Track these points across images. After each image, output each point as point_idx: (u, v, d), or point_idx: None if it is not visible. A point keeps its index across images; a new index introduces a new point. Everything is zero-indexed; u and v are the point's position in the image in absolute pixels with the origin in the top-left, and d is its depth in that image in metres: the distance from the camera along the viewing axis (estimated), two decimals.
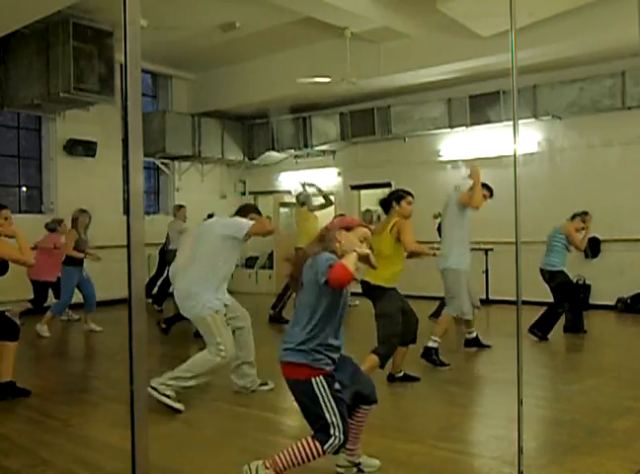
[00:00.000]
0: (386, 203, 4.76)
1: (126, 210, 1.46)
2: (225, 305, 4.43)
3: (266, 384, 4.64)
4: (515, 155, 2.75)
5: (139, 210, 1.46)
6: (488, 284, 9.51)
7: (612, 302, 8.63)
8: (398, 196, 4.74)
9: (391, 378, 4.79)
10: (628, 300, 8.50)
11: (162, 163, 11.54)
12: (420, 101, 10.20)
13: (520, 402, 2.56)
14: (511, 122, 2.82)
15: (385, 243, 4.51)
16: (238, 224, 4.36)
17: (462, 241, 5.67)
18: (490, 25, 7.23)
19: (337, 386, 2.66)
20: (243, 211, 4.67)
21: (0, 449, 3.44)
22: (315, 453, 2.61)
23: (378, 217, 11.23)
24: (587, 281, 8.91)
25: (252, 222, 4.34)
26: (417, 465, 3.15)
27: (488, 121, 9.46)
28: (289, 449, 2.62)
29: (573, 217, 6.85)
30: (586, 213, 6.92)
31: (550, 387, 4.78)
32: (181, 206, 9.22)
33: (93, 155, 10.03)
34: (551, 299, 6.70)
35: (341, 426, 2.60)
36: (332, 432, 2.59)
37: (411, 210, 4.70)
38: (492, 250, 9.29)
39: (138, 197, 1.45)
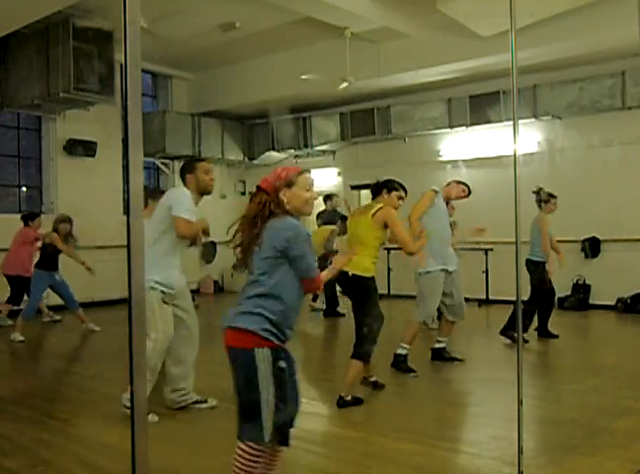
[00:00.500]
0: (377, 189, 4.49)
1: (126, 210, 1.46)
2: (163, 292, 3.89)
3: (204, 402, 4.14)
4: (515, 155, 2.74)
5: (139, 210, 1.46)
6: (488, 284, 9.51)
7: (612, 302, 8.62)
8: (392, 187, 4.48)
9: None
10: (628, 300, 8.49)
11: (162, 163, 11.54)
12: (420, 101, 10.20)
13: (519, 402, 2.55)
14: (511, 122, 2.82)
15: (364, 227, 4.26)
16: (177, 199, 3.95)
17: (438, 242, 5.14)
18: (490, 25, 7.23)
19: (282, 364, 2.27)
20: (188, 169, 4.09)
21: (0, 449, 3.44)
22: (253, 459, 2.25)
23: None
24: (587, 281, 8.91)
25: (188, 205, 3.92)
26: (417, 465, 3.15)
27: (488, 121, 9.46)
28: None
29: (542, 203, 6.44)
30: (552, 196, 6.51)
31: (550, 387, 4.77)
32: None
33: (93, 155, 10.03)
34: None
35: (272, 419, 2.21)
36: (263, 423, 2.21)
37: (399, 205, 4.46)
38: (492, 250, 9.29)
39: (138, 197, 1.45)
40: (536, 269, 6.31)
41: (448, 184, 5.46)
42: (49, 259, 7.20)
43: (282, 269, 2.32)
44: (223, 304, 10.84)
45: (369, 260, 4.23)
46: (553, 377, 5.23)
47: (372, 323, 4.16)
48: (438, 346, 5.49)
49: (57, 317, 8.28)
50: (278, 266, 2.32)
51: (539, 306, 6.43)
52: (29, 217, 7.67)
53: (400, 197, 4.46)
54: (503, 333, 6.21)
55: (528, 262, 6.34)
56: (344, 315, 8.21)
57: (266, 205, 2.36)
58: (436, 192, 5.28)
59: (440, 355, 5.46)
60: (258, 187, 2.42)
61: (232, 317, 2.32)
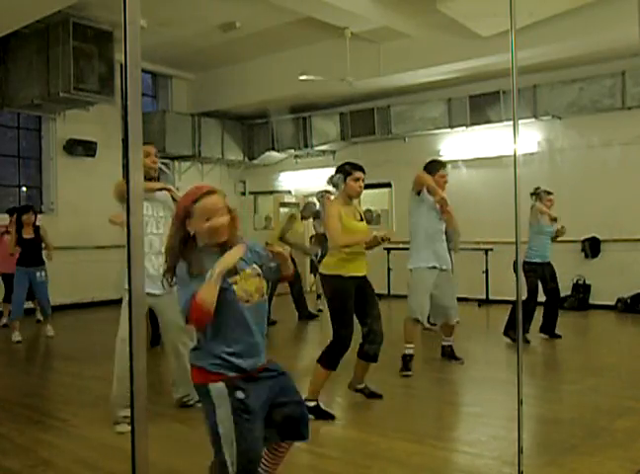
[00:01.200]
0: (334, 181, 4.14)
1: (126, 210, 1.46)
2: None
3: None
4: (515, 155, 2.74)
5: (139, 210, 1.46)
6: (488, 284, 9.51)
7: (612, 302, 8.62)
8: (344, 171, 4.07)
9: (351, 388, 4.33)
10: (628, 300, 8.50)
11: (162, 163, 11.52)
12: (420, 101, 10.20)
13: (519, 402, 2.55)
14: (511, 122, 2.82)
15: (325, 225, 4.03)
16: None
17: (425, 238, 5.04)
18: (490, 25, 7.23)
19: (240, 395, 2.12)
20: None
21: (0, 449, 3.44)
22: None
23: (378, 217, 11.24)
24: (587, 281, 8.91)
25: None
26: (417, 465, 3.15)
27: (488, 121, 9.46)
28: None
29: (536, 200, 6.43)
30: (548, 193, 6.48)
31: (550, 387, 4.77)
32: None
33: (93, 155, 10.04)
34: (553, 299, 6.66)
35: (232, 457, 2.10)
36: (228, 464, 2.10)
37: (360, 189, 4.05)
38: (492, 250, 9.29)
39: (138, 196, 1.45)
40: (530, 270, 6.29)
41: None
42: (25, 255, 7.02)
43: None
44: None
45: (332, 258, 3.95)
46: (553, 377, 5.23)
47: (337, 329, 3.83)
48: (445, 343, 5.54)
49: (40, 317, 8.19)
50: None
51: (547, 305, 6.48)
52: (10, 212, 7.64)
53: (357, 179, 4.03)
54: (505, 333, 6.22)
55: (524, 264, 6.28)
56: (317, 316, 8.14)
57: (178, 240, 2.13)
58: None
59: (446, 353, 5.53)
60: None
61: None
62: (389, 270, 10.27)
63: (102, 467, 3.20)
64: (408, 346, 5.02)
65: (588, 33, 7.52)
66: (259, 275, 2.23)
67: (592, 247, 8.87)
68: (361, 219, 4.14)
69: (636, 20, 2.90)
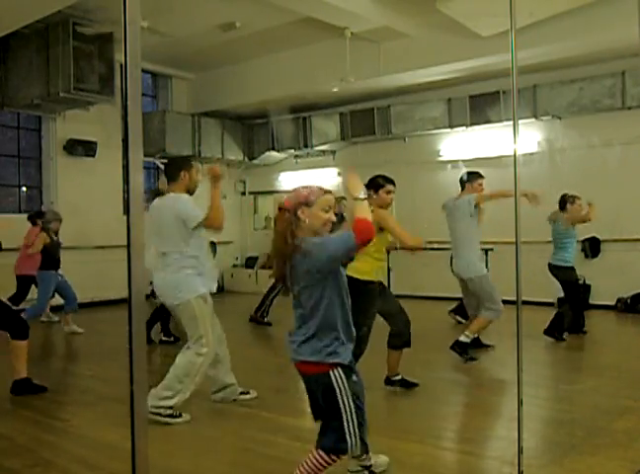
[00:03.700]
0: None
1: (126, 210, 1.46)
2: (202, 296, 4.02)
3: (247, 393, 4.39)
4: (515, 155, 2.74)
5: (139, 210, 1.46)
6: None
7: (612, 302, 8.62)
8: (377, 184, 4.29)
9: (388, 382, 4.61)
10: (628, 300, 8.49)
11: (162, 163, 11.53)
12: (420, 101, 10.20)
13: (519, 402, 2.55)
14: (511, 122, 2.82)
15: None
16: (187, 208, 4.13)
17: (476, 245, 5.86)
18: (490, 25, 7.23)
19: (355, 378, 2.47)
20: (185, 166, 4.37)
21: (0, 449, 3.44)
22: (330, 462, 2.50)
23: None
24: (587, 281, 8.90)
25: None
26: (417, 465, 3.15)
27: (488, 121, 9.46)
28: (304, 466, 2.53)
29: (564, 205, 6.62)
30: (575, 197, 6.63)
31: (550, 387, 4.78)
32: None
33: (93, 155, 10.03)
34: (552, 299, 6.69)
35: (357, 429, 2.45)
36: (348, 437, 2.43)
37: (391, 200, 4.32)
38: (492, 250, 9.28)
39: (138, 197, 1.45)
40: (560, 272, 6.49)
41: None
42: (52, 259, 7.20)
43: (322, 287, 2.39)
44: (223, 304, 10.84)
45: (367, 264, 4.11)
46: (553, 377, 5.23)
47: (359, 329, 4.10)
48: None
49: (56, 318, 8.28)
50: (318, 287, 2.39)
51: (571, 303, 6.62)
52: (35, 216, 7.67)
53: (389, 192, 4.28)
54: (547, 333, 6.41)
55: (553, 267, 6.51)
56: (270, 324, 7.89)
57: (288, 224, 2.42)
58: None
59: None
60: (280, 207, 2.50)
61: (297, 349, 2.45)
62: (389, 270, 10.26)
63: (102, 467, 3.20)
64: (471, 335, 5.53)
65: (588, 33, 7.52)
66: None
67: (592, 247, 8.87)
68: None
69: (636, 20, 2.90)
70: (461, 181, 5.76)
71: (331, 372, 2.39)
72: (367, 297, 4.15)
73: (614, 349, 6.36)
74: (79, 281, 7.85)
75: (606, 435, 3.52)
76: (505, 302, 8.33)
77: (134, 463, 1.41)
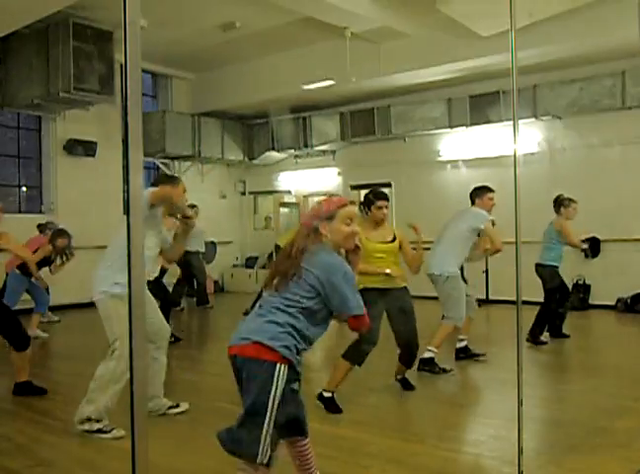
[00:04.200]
0: (362, 208, 4.44)
1: (126, 210, 1.46)
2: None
3: (177, 406, 4.04)
4: (515, 155, 2.74)
5: (139, 210, 1.46)
6: (488, 284, 9.51)
7: (612, 302, 8.63)
8: (368, 201, 4.36)
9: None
10: (628, 300, 8.50)
11: (162, 163, 11.54)
12: (420, 101, 10.20)
13: (519, 402, 2.55)
14: (511, 122, 2.82)
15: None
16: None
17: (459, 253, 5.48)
18: (490, 25, 7.23)
19: (295, 386, 2.30)
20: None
21: (0, 449, 3.44)
22: None
23: None
24: (587, 281, 8.91)
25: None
26: (417, 465, 3.15)
27: (488, 121, 9.46)
28: None
29: (558, 208, 6.50)
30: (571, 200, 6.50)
31: (550, 387, 4.78)
32: (193, 206, 8.42)
33: (93, 155, 10.04)
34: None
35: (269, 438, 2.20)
36: (261, 443, 2.20)
37: (383, 215, 4.34)
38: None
39: (138, 196, 1.45)
40: (545, 271, 6.37)
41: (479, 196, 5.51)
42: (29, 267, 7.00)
43: (319, 298, 2.30)
44: (223, 304, 10.84)
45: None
46: (553, 377, 5.23)
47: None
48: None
49: (56, 318, 8.27)
50: (316, 294, 2.29)
51: (555, 307, 6.46)
52: (45, 227, 7.70)
53: (379, 208, 4.31)
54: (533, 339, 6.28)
55: (538, 266, 6.38)
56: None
57: (306, 238, 2.35)
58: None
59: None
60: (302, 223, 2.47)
61: (255, 330, 2.26)
62: None
63: (102, 467, 3.20)
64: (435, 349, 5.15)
65: (588, 33, 7.52)
66: None
67: (592, 247, 8.86)
68: (393, 239, 4.43)
69: (636, 20, 2.90)
70: (471, 196, 5.57)
71: (278, 365, 2.22)
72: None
73: (614, 349, 6.36)
74: (79, 281, 7.84)
75: (606, 435, 3.52)
76: (505, 302, 8.38)
77: (134, 463, 1.41)
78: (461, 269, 5.55)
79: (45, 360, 6.45)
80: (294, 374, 2.27)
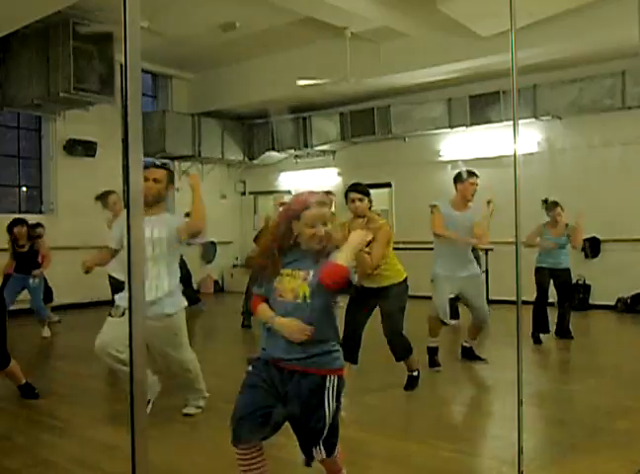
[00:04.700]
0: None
1: (126, 210, 1.46)
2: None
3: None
4: (515, 155, 2.74)
5: (139, 210, 1.45)
6: (488, 284, 9.50)
7: (612, 302, 8.63)
8: (345, 192, 4.30)
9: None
10: (628, 300, 8.49)
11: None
12: (420, 101, 10.20)
13: (519, 402, 2.55)
14: (511, 122, 2.82)
15: None
16: None
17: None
18: (490, 25, 7.23)
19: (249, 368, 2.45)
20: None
21: (0, 449, 3.44)
22: None
23: (378, 217, 11.24)
24: (587, 281, 8.91)
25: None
26: (417, 465, 3.15)
27: (488, 121, 9.46)
28: None
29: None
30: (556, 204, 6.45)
31: (550, 387, 4.78)
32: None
33: (93, 155, 10.03)
34: (552, 299, 6.65)
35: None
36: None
37: (355, 208, 4.22)
38: (492, 250, 9.28)
39: (138, 196, 1.44)
40: (566, 276, 6.51)
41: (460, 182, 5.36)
42: (23, 265, 7.16)
43: None
44: (223, 304, 10.84)
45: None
46: (553, 377, 5.23)
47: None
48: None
49: (56, 318, 8.27)
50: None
51: (559, 307, 6.56)
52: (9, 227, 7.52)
53: (352, 201, 4.23)
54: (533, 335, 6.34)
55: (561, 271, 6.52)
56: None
57: (282, 237, 2.37)
58: (434, 205, 5.22)
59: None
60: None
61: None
62: None
63: (102, 467, 3.20)
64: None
65: (588, 33, 7.52)
66: (305, 279, 2.34)
67: (592, 247, 8.87)
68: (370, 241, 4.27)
69: (636, 20, 2.90)
70: (454, 181, 5.45)
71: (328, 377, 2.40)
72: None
73: (614, 349, 6.36)
74: (79, 281, 7.84)
75: (607, 435, 3.52)
76: (505, 302, 8.37)
77: (134, 463, 1.41)
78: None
79: (46, 360, 6.45)
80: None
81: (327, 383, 2.32)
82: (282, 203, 2.40)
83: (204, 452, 3.36)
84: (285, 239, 2.36)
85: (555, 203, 6.49)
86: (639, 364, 5.43)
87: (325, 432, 2.32)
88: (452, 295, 5.53)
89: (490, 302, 9.17)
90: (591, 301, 8.84)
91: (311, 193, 2.41)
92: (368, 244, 4.05)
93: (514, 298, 2.64)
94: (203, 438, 3.62)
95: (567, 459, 3.17)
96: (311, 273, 2.33)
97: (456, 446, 3.46)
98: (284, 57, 10.04)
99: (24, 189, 10.16)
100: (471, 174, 5.32)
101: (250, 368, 2.41)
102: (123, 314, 3.68)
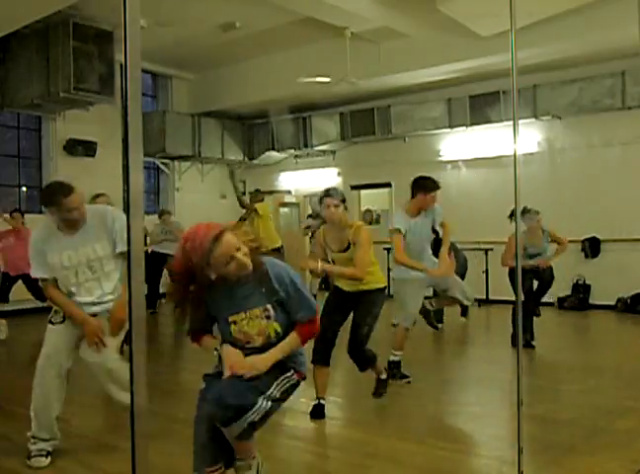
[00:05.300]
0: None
1: (126, 210, 1.46)
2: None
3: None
4: (515, 155, 2.74)
5: (139, 210, 1.45)
6: (488, 284, 9.51)
7: (612, 302, 8.63)
8: (319, 197, 4.08)
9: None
10: (628, 300, 8.50)
11: (162, 163, 11.54)
12: (420, 101, 10.20)
13: (519, 402, 2.55)
14: (511, 122, 2.82)
15: None
16: None
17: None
18: (490, 25, 7.23)
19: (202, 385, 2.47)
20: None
21: (0, 449, 3.44)
22: None
23: (378, 217, 11.25)
24: (587, 281, 8.91)
25: None
26: (417, 465, 3.15)
27: (488, 121, 9.46)
28: None
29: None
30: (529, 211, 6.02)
31: (550, 387, 4.77)
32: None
33: (93, 155, 10.03)
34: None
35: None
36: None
37: (331, 214, 4.00)
38: (492, 250, 9.29)
39: (138, 196, 1.44)
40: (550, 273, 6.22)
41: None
42: None
43: None
44: None
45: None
46: (553, 377, 5.23)
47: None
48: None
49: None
50: None
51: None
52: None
53: (327, 206, 4.01)
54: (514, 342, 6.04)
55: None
56: None
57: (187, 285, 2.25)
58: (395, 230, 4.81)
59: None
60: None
61: None
62: (389, 269, 10.26)
63: (102, 467, 3.20)
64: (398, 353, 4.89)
65: (588, 33, 7.52)
66: (268, 317, 2.26)
67: (592, 247, 8.87)
68: (347, 247, 4.07)
69: (636, 20, 2.89)
70: (417, 186, 5.10)
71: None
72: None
73: (614, 349, 6.36)
74: None
75: (607, 435, 3.52)
76: (504, 302, 8.38)
77: (134, 463, 1.41)
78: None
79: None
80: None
81: (287, 374, 2.35)
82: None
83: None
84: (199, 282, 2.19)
85: (537, 212, 6.06)
86: (639, 364, 5.43)
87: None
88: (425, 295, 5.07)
89: (490, 302, 9.24)
90: (591, 301, 8.84)
91: (201, 233, 2.16)
92: (346, 249, 4.10)
93: (513, 298, 2.64)
94: None
95: (567, 459, 3.17)
96: (268, 306, 2.25)
97: (456, 446, 3.46)
98: (284, 57, 10.04)
99: (24, 189, 10.16)
100: (435, 186, 5.00)
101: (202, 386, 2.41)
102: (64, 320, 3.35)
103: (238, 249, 2.18)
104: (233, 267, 2.18)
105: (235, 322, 2.25)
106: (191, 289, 2.21)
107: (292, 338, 2.33)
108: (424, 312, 5.07)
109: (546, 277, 6.21)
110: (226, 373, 2.24)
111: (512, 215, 5.74)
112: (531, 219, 6.01)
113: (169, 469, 3.08)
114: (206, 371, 2.50)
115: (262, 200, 9.23)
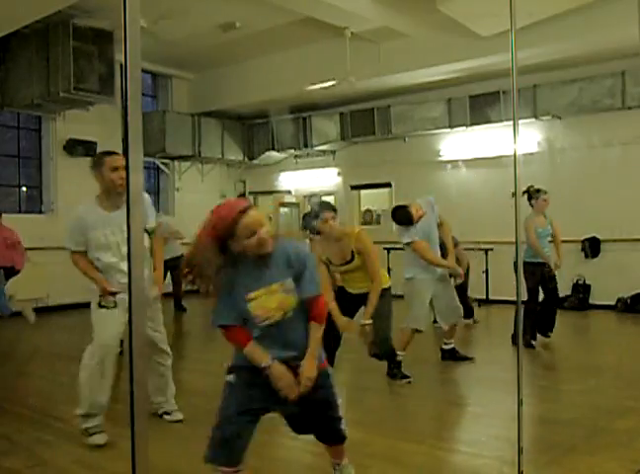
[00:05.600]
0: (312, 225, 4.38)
1: (126, 210, 1.46)
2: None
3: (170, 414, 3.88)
4: (515, 155, 2.74)
5: (139, 211, 1.46)
6: (488, 284, 9.51)
7: (612, 302, 8.62)
8: (316, 214, 4.20)
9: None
10: (628, 300, 8.49)
11: (162, 163, 11.54)
12: (420, 101, 10.20)
13: (519, 402, 2.55)
14: (511, 122, 2.82)
15: None
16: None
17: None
18: (490, 25, 7.23)
19: (229, 378, 2.51)
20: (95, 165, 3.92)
21: (0, 449, 3.44)
22: None
23: (378, 217, 11.25)
24: (587, 281, 8.91)
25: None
26: (417, 465, 3.15)
27: (488, 121, 9.46)
28: None
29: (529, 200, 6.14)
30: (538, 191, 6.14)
31: (550, 387, 4.77)
32: None
33: (93, 155, 10.00)
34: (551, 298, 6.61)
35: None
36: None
37: (329, 229, 4.17)
38: (492, 250, 9.30)
39: (138, 196, 1.44)
40: (528, 271, 5.96)
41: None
42: None
43: None
44: None
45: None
46: (553, 377, 5.23)
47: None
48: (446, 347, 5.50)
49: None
50: None
51: (542, 306, 6.24)
52: None
53: (325, 221, 4.17)
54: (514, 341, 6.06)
55: (523, 264, 6.18)
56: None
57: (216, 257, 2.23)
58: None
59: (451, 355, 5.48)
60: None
61: None
62: (389, 270, 10.27)
63: (102, 467, 3.20)
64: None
65: (588, 33, 7.52)
66: (287, 291, 2.28)
67: (592, 247, 8.87)
68: (352, 258, 4.25)
69: (636, 20, 2.90)
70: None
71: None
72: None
73: (614, 349, 6.36)
74: (79, 281, 7.83)
75: (607, 435, 3.52)
76: (504, 302, 8.38)
77: (134, 463, 1.41)
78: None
79: (45, 360, 6.45)
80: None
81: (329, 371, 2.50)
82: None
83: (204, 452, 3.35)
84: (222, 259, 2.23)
85: (545, 191, 6.18)
86: (639, 364, 5.43)
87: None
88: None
89: (490, 302, 9.24)
90: (591, 301, 8.84)
91: (231, 205, 2.27)
92: (351, 260, 4.21)
93: (513, 298, 2.64)
94: (204, 439, 3.61)
95: (567, 459, 3.17)
96: (287, 281, 2.28)
97: (456, 446, 3.46)
98: (284, 57, 10.05)
99: (24, 189, 10.16)
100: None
101: (230, 378, 2.42)
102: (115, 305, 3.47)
103: (262, 226, 2.23)
104: (255, 242, 2.21)
105: (254, 298, 2.27)
106: (215, 265, 2.22)
107: (314, 327, 2.35)
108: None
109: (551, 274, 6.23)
110: (290, 394, 2.33)
111: (526, 193, 6.09)
112: (536, 198, 6.16)
113: (169, 469, 3.08)
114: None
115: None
